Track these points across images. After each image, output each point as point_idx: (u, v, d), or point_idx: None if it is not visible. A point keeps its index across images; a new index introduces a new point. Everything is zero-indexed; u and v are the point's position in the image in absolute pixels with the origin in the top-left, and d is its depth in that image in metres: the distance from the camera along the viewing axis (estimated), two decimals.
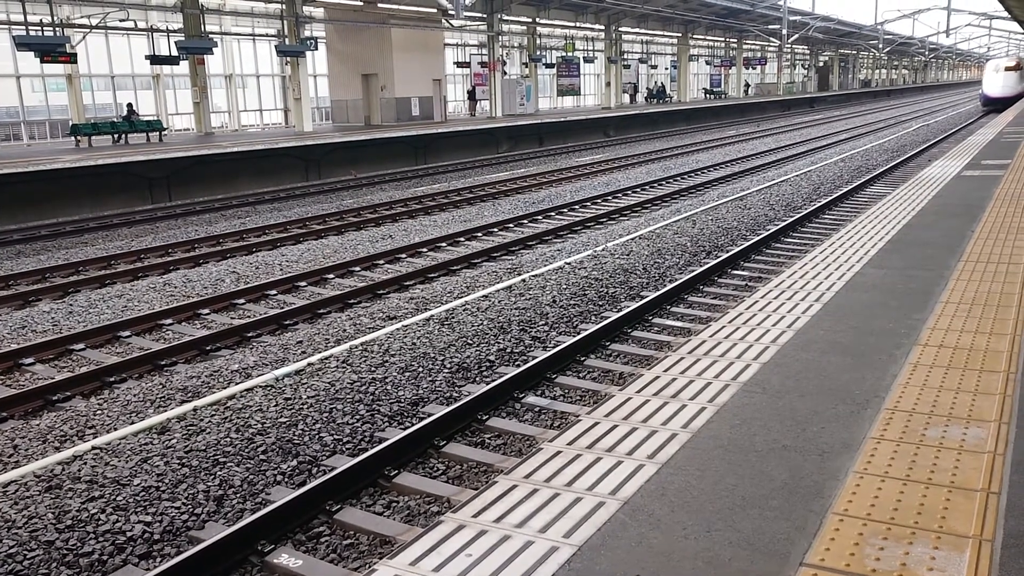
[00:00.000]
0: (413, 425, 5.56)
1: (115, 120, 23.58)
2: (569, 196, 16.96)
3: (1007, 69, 41.44)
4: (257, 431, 5.51)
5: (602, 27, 40.21)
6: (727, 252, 10.51)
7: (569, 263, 9.84)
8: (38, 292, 9.99)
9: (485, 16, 31.76)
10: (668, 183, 18.89)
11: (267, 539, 4.27)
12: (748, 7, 44.15)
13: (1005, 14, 44.32)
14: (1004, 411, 3.42)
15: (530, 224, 13.97)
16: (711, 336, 4.55)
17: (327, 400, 6.00)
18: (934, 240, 6.94)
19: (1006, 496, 2.74)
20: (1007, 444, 3.12)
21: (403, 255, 11.60)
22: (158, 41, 23.93)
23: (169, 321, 8.61)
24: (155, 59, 23.30)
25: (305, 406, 5.89)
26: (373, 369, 6.55)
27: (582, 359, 6.82)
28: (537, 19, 36.10)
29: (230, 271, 10.81)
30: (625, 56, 43.79)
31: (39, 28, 20.50)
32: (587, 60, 40.90)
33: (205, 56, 24.14)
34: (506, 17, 33.35)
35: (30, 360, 7.47)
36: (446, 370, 6.62)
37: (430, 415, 5.76)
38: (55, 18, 20.99)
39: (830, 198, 14.39)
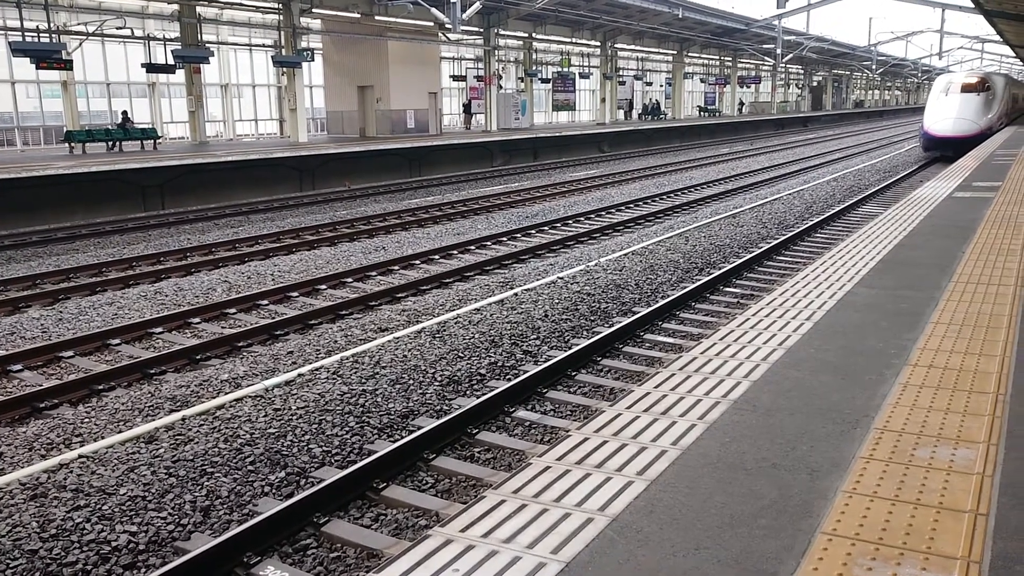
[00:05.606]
0: (403, 438, 5.54)
1: (110, 127, 23.56)
2: (563, 211, 17.00)
3: (965, 90, 25.09)
4: (245, 441, 5.48)
5: (598, 43, 40.44)
6: (719, 269, 10.54)
7: (561, 277, 9.85)
8: (28, 298, 9.94)
9: (482, 31, 31.91)
10: (661, 199, 18.95)
11: (253, 551, 4.23)
12: (743, 26, 44.47)
13: (997, 38, 44.59)
14: (993, 432, 3.42)
15: (523, 238, 13.98)
16: (702, 353, 4.55)
17: (317, 411, 5.97)
18: (925, 260, 6.96)
19: (994, 518, 2.74)
20: (996, 466, 3.12)
21: (396, 267, 11.59)
22: (154, 49, 23.95)
23: (159, 330, 8.57)
24: (151, 67, 23.31)
25: (294, 417, 5.87)
26: (363, 381, 6.53)
27: (573, 374, 6.82)
28: (533, 34, 36.29)
29: (222, 280, 10.78)
30: (620, 72, 44.01)
31: (35, 34, 20.49)
32: (583, 76, 41.08)
33: (201, 65, 24.18)
34: (503, 32, 33.51)
35: (18, 367, 7.43)
36: (437, 383, 6.60)
37: (420, 428, 5.74)
38: (52, 24, 21.00)
39: (822, 217, 14.45)
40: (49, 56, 19.40)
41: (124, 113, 24.42)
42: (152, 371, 7.31)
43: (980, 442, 3.33)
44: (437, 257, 12.33)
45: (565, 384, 6.67)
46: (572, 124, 41.84)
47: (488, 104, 32.88)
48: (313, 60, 27.15)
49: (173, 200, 18.60)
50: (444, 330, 7.79)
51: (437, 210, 17.48)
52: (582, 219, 15.99)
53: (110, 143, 22.63)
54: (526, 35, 36.14)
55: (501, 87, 35.11)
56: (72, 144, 21.72)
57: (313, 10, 25.38)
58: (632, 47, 44.60)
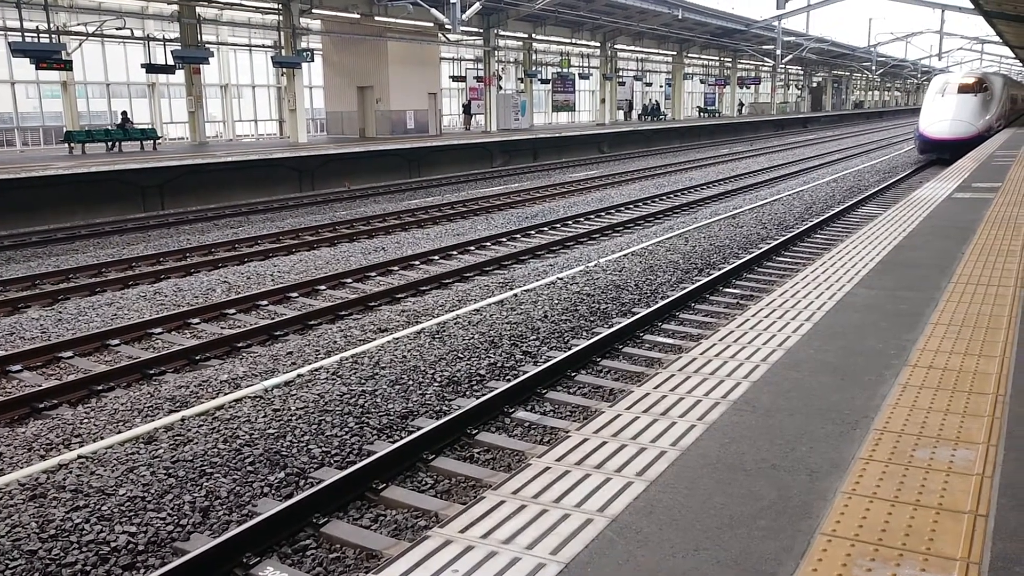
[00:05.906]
0: (402, 438, 5.54)
1: (109, 128, 23.55)
2: (562, 211, 17.00)
3: (962, 90, 24.75)
4: (245, 442, 5.47)
5: (598, 44, 40.44)
6: (719, 270, 10.54)
7: (561, 278, 9.85)
8: (27, 299, 9.94)
9: (482, 31, 31.91)
10: (661, 200, 18.95)
11: (253, 552, 4.23)
12: (743, 27, 44.48)
13: (997, 39, 44.60)
14: (992, 433, 3.42)
15: (523, 239, 13.98)
16: (702, 354, 4.55)
17: (316, 412, 5.97)
18: (925, 261, 6.96)
19: (994, 519, 2.74)
20: (995, 466, 3.12)
21: (395, 267, 11.59)
22: (154, 50, 23.95)
23: (159, 330, 8.57)
24: (151, 68, 23.31)
25: (294, 418, 5.86)
26: (363, 381, 6.52)
27: (573, 375, 6.81)
28: (533, 35, 36.29)
29: (221, 281, 10.77)
30: (620, 73, 44.02)
31: (35, 35, 20.49)
32: (582, 76, 41.10)
33: (201, 66, 24.17)
34: (502, 32, 33.51)
35: (17, 367, 7.42)
36: (436, 384, 6.60)
37: (419, 428, 5.74)
38: (51, 25, 21.00)
39: (822, 218, 14.45)
40: (49, 56, 19.40)
41: (124, 113, 24.41)
42: (151, 371, 7.31)
43: (979, 443, 3.33)
44: (437, 258, 12.33)
45: (565, 385, 6.67)
46: (572, 125, 41.84)
47: (488, 105, 32.87)
48: (313, 61, 27.15)
49: (173, 201, 18.59)
50: (444, 331, 7.79)
51: (437, 211, 17.47)
52: (582, 220, 15.99)
53: (110, 143, 22.62)
54: (526, 36, 36.14)
55: (501, 88, 35.12)
56: (72, 144, 21.71)
57: (313, 10, 25.38)
58: (632, 48, 44.60)
